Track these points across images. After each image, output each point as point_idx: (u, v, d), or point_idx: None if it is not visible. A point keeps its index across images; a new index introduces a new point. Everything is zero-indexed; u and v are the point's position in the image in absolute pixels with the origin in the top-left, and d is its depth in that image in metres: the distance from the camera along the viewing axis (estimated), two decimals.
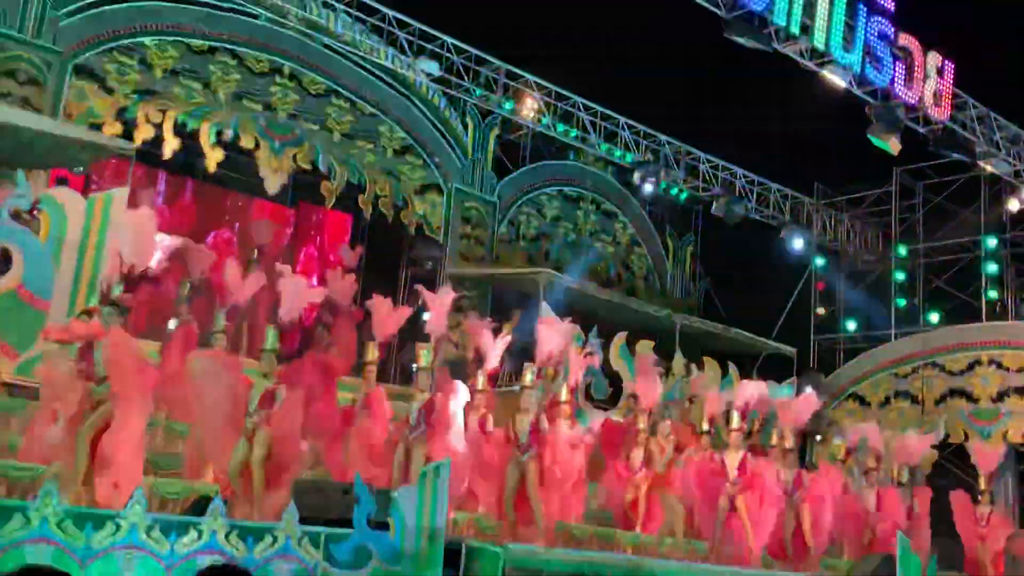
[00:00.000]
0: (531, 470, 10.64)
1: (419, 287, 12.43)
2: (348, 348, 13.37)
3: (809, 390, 14.56)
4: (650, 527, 12.37)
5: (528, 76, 18.75)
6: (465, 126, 18.75)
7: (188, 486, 9.40)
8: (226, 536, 7.73)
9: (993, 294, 21.49)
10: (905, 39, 17.24)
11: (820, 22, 15.98)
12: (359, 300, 16.61)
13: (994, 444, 18.28)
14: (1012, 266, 21.73)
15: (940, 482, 18.06)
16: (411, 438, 10.49)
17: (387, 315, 11.47)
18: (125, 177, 14.00)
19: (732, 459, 12.47)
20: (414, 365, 11.17)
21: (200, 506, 8.12)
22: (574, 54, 20.79)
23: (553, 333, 12.29)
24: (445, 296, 11.75)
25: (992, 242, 21.57)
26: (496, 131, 19.35)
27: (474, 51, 17.99)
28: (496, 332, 12.74)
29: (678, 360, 17.48)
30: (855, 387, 21.00)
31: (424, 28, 17.38)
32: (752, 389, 13.57)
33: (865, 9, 16.64)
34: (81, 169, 14.32)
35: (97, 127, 14.28)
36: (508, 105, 18.49)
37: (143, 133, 14.97)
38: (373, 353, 11.13)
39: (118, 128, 14.63)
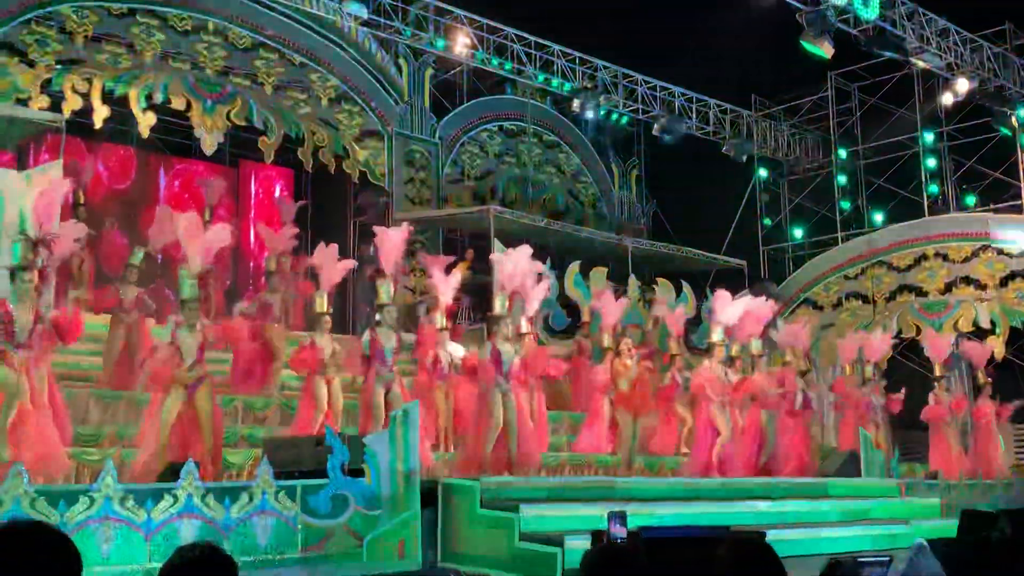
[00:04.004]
0: (513, 400, 10.65)
1: (373, 227, 12.17)
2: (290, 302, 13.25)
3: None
4: (619, 448, 12.60)
5: (457, 11, 18.51)
6: (399, 68, 18.52)
7: (107, 453, 8.98)
8: (202, 498, 7.76)
9: (934, 188, 21.85)
10: None
11: None
12: (309, 253, 16.54)
13: (944, 336, 18.77)
14: (950, 159, 22.07)
15: (896, 376, 18.55)
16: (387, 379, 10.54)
17: (332, 265, 11.40)
18: (57, 151, 13.72)
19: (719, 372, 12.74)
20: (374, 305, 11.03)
21: (171, 472, 8.12)
22: None
23: (512, 260, 12.12)
24: (395, 233, 11.56)
25: (929, 137, 21.87)
26: (430, 71, 19.16)
27: None
28: (451, 270, 12.73)
29: (632, 283, 17.68)
30: (807, 292, 21.34)
31: None
32: (734, 303, 13.68)
33: None
34: (11, 146, 13.99)
35: (23, 102, 13.94)
36: (440, 43, 18.25)
37: (71, 104, 14.66)
38: (323, 304, 11.01)
39: (45, 101, 14.31)
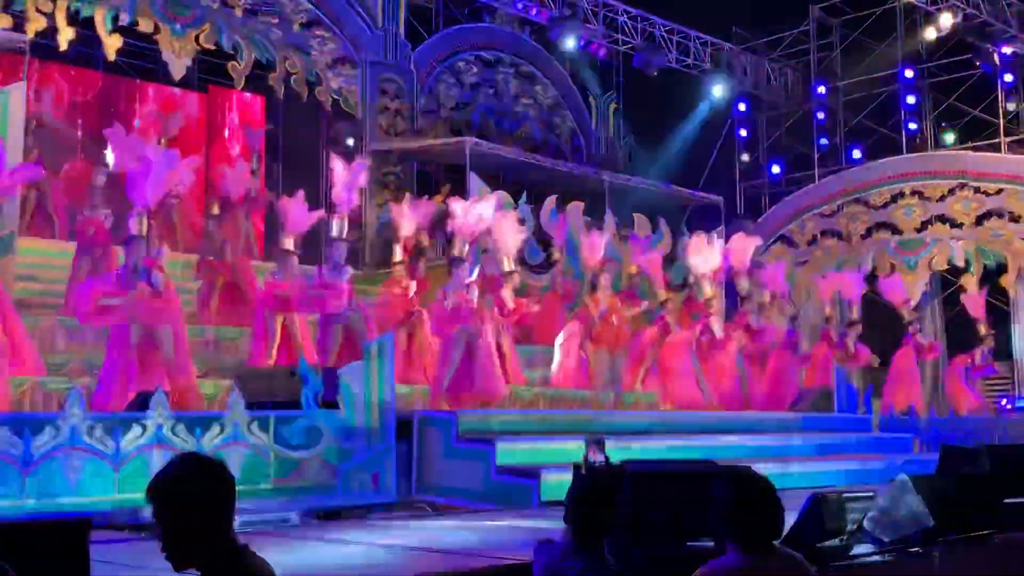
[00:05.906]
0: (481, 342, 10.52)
1: (334, 156, 11.74)
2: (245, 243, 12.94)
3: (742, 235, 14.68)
4: (594, 383, 12.56)
5: None
6: None
7: (77, 382, 8.77)
8: (172, 429, 7.61)
9: (913, 126, 21.71)
10: None
11: None
12: (280, 184, 16.23)
13: (918, 274, 18.87)
14: (930, 96, 21.92)
15: (868, 313, 18.59)
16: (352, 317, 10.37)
17: (300, 212, 10.86)
18: (20, 73, 13.28)
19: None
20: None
21: (140, 402, 7.95)
22: None
23: (481, 206, 11.83)
24: (355, 168, 11.15)
25: (910, 73, 21.66)
26: None
27: None
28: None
29: (609, 219, 17.50)
30: (782, 229, 21.27)
31: None
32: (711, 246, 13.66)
33: None
34: None
35: None
36: None
37: (35, 24, 14.10)
38: (290, 244, 10.63)
39: (7, 21, 13.78)
